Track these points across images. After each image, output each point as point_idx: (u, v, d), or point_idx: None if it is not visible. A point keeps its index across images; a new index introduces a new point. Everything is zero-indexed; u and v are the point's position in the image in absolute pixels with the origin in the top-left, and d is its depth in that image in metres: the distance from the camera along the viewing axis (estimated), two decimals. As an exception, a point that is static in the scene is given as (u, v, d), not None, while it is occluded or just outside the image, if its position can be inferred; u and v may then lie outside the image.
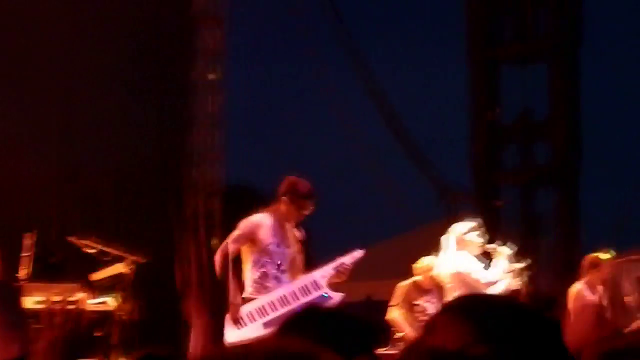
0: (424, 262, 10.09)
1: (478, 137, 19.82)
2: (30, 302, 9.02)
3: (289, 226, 7.78)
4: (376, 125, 19.62)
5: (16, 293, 8.20)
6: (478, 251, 8.61)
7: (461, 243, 8.59)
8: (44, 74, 14.82)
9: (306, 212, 7.77)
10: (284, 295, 7.52)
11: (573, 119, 19.61)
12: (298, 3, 17.67)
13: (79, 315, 9.21)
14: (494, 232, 12.71)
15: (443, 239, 8.71)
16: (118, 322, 9.11)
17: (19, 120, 14.12)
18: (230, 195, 18.19)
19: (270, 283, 7.57)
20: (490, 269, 8.55)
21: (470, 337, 1.75)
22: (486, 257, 8.72)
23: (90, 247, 9.21)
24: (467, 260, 8.51)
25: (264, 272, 7.58)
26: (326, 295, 7.58)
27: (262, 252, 7.60)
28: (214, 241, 17.22)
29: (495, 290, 8.38)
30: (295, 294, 7.55)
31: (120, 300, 9.10)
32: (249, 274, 7.62)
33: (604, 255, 10.17)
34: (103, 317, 9.19)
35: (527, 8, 19.60)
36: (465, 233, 8.61)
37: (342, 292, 7.70)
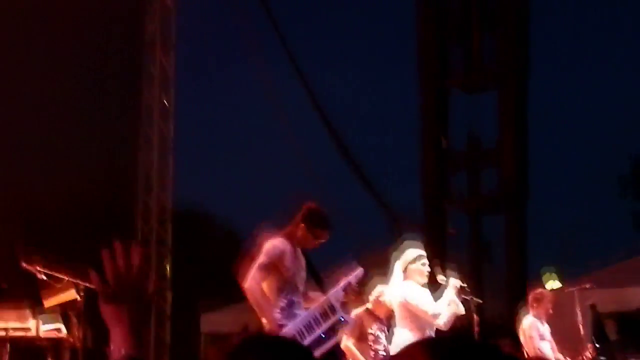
0: (376, 289, 10.13)
1: (428, 164, 19.94)
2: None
3: (299, 249, 7.65)
4: (328, 152, 19.71)
5: None
6: (424, 280, 8.65)
7: (407, 271, 8.63)
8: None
9: (322, 241, 7.63)
10: (309, 322, 7.39)
11: (521, 146, 19.78)
12: (250, 33, 17.74)
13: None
14: (443, 259, 12.83)
15: (392, 266, 8.75)
16: (69, 349, 9.07)
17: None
18: (181, 220, 18.15)
19: (297, 310, 7.44)
20: (438, 299, 8.60)
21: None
22: (433, 285, 8.77)
23: (42, 273, 9.15)
24: (413, 290, 8.54)
25: (290, 299, 7.44)
26: (342, 319, 7.49)
27: (287, 279, 7.45)
28: (168, 266, 17.22)
29: (442, 320, 8.43)
30: (318, 319, 7.42)
31: (71, 326, 9.05)
32: (274, 301, 7.42)
33: (549, 284, 10.38)
34: (55, 344, 9.14)
35: (476, 36, 19.79)
36: (411, 262, 8.66)
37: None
